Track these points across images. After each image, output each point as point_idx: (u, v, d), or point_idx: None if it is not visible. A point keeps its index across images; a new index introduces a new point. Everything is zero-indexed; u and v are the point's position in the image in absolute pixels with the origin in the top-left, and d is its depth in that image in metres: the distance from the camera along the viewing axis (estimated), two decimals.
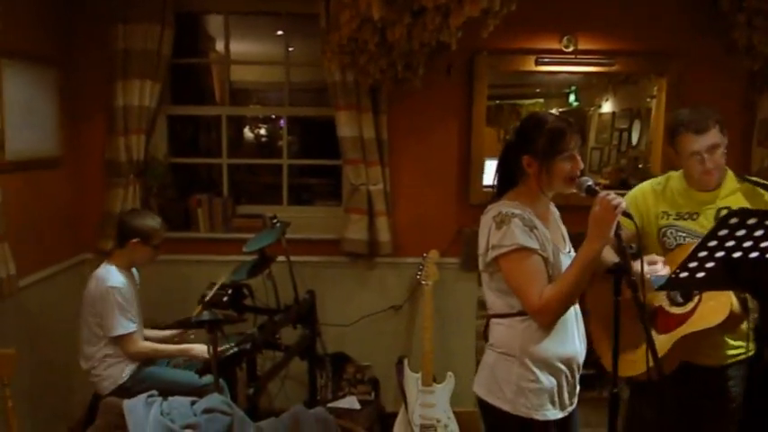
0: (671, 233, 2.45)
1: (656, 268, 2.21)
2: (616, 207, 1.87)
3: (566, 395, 2.08)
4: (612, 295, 1.99)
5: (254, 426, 2.17)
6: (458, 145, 3.84)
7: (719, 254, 1.74)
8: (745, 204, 2.36)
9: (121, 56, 3.55)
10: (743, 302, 2.21)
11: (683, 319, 2.28)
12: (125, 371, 3.06)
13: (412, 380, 3.61)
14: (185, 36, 3.97)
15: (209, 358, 2.64)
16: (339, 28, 3.17)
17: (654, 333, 2.24)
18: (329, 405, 3.59)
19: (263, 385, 3.03)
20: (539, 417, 2.02)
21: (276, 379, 3.53)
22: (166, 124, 4.01)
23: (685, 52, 3.74)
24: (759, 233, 1.68)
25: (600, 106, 5.11)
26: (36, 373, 3.33)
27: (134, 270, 3.24)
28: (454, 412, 3.56)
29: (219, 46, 4.25)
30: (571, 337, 2.08)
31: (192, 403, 2.21)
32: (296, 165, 4.95)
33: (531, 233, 1.99)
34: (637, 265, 1.99)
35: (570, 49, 3.74)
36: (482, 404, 2.13)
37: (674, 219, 2.45)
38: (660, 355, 1.97)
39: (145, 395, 2.21)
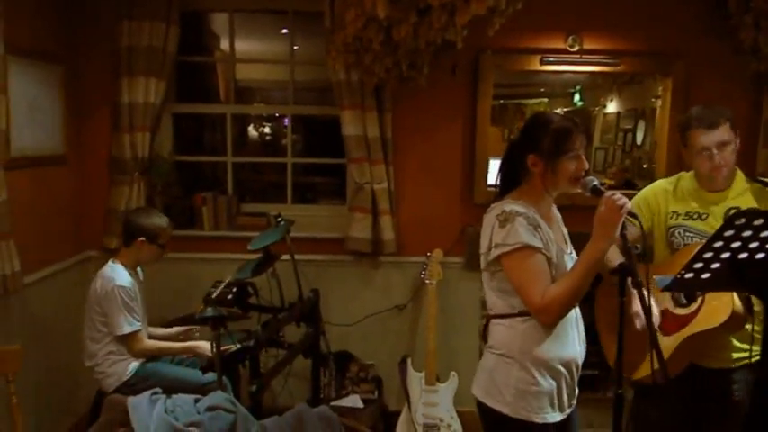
0: (679, 233, 2.45)
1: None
2: (621, 207, 1.87)
3: (565, 397, 2.07)
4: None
5: (257, 424, 2.17)
6: (462, 144, 3.84)
7: (725, 255, 1.73)
8: (754, 205, 2.36)
9: (127, 53, 3.56)
10: (746, 303, 2.20)
11: (686, 320, 2.27)
12: (129, 368, 3.07)
13: (415, 379, 3.61)
14: (190, 34, 3.98)
15: (212, 356, 2.64)
16: (344, 27, 3.17)
17: (659, 335, 2.24)
18: (332, 403, 3.59)
19: (267, 383, 3.03)
20: (538, 420, 2.01)
21: (280, 377, 3.53)
22: (171, 122, 4.01)
23: (691, 53, 3.73)
24: (765, 234, 1.67)
25: (605, 106, 5.11)
26: (41, 369, 3.33)
27: (138, 268, 3.25)
28: (457, 411, 3.56)
29: (224, 44, 4.25)
30: (571, 340, 2.07)
31: (196, 401, 2.21)
32: (300, 163, 4.97)
33: (535, 232, 1.98)
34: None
35: (575, 49, 3.73)
36: (481, 407, 2.11)
37: (683, 219, 2.45)
38: (665, 356, 1.97)
39: (149, 392, 2.21)
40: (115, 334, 3.02)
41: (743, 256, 1.73)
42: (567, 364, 2.05)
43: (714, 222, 2.37)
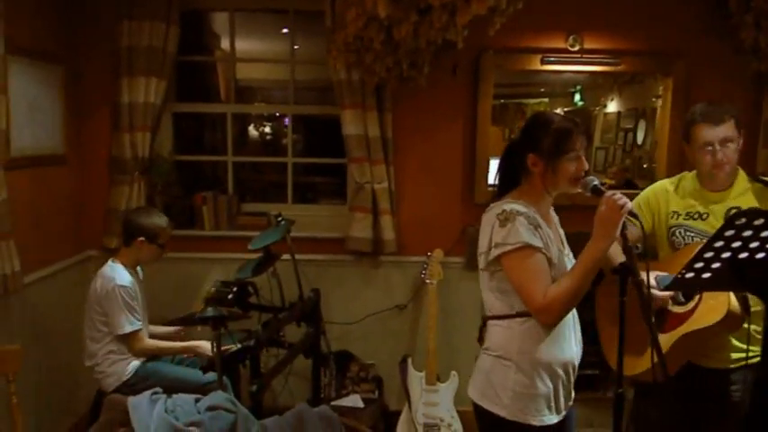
0: (680, 233, 2.45)
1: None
2: (622, 207, 1.87)
3: (561, 400, 2.06)
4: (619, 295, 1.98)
5: (257, 423, 2.16)
6: (463, 144, 3.83)
7: (726, 254, 1.73)
8: (755, 205, 2.35)
9: (127, 53, 3.55)
10: (743, 302, 2.20)
11: (683, 318, 2.27)
12: (129, 368, 3.06)
13: (416, 379, 3.61)
14: (191, 33, 3.98)
15: (213, 355, 2.64)
16: (345, 26, 3.17)
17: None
18: (333, 403, 3.60)
19: (267, 383, 3.03)
20: (536, 423, 2.00)
21: (280, 377, 3.53)
22: (172, 122, 4.01)
23: (692, 52, 3.73)
24: (766, 234, 1.67)
25: (605, 106, 5.11)
26: (41, 369, 3.33)
27: (138, 268, 3.25)
28: (458, 411, 3.56)
29: (225, 43, 4.25)
30: (569, 341, 2.06)
31: (197, 401, 2.21)
32: (301, 163, 4.97)
33: (535, 232, 1.97)
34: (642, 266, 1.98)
35: (576, 49, 3.73)
36: (477, 409, 2.10)
37: (684, 219, 2.45)
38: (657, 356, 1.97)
39: (149, 392, 2.21)
40: (116, 333, 3.02)
41: (743, 255, 1.73)
42: (564, 366, 2.04)
43: (715, 222, 2.37)
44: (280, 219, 3.38)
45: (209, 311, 2.64)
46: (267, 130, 7.41)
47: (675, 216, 2.47)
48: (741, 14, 3.45)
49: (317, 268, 3.78)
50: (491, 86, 3.74)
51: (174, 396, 2.22)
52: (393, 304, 3.92)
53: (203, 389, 2.75)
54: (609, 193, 1.91)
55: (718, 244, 1.70)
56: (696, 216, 2.43)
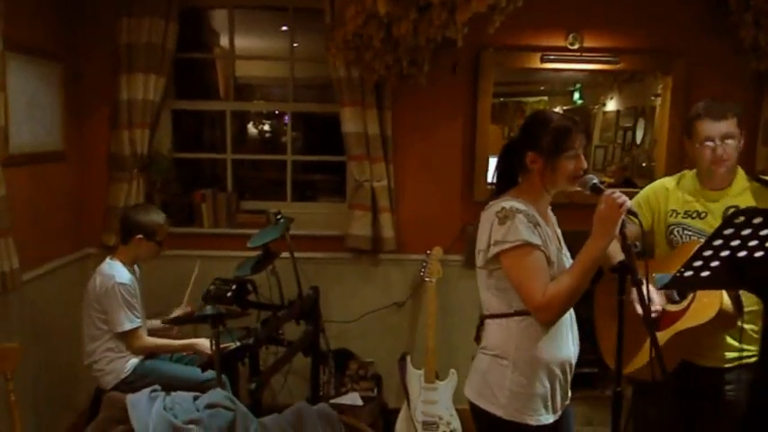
0: (678, 231, 2.45)
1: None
2: (621, 205, 1.87)
3: (558, 399, 2.06)
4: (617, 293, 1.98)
5: (256, 421, 2.17)
6: (462, 142, 3.83)
7: (724, 253, 1.73)
8: (753, 203, 2.35)
9: (126, 50, 3.55)
10: (736, 301, 2.20)
11: (677, 316, 2.28)
12: (127, 366, 3.06)
13: (415, 376, 3.61)
14: (190, 30, 3.97)
15: (211, 353, 2.65)
16: (344, 23, 3.16)
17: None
18: (332, 401, 3.59)
19: (266, 380, 3.03)
20: (532, 422, 2.00)
21: (279, 375, 3.53)
22: (171, 119, 4.01)
23: (691, 51, 3.73)
24: (764, 232, 1.67)
25: (604, 104, 5.11)
26: (39, 366, 3.33)
27: (135, 265, 3.24)
28: (457, 409, 3.56)
29: (224, 41, 4.24)
30: (566, 340, 2.06)
31: (195, 398, 2.21)
32: (300, 161, 4.96)
33: (534, 229, 1.97)
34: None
35: (576, 47, 3.73)
36: (474, 409, 2.10)
37: (683, 217, 2.45)
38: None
39: (148, 390, 2.21)
40: (116, 331, 3.02)
41: (742, 254, 1.73)
42: (561, 366, 2.04)
43: (713, 221, 2.37)
44: (279, 216, 3.38)
45: (208, 309, 2.65)
46: (266, 127, 7.41)
47: (674, 214, 2.47)
48: (741, 13, 3.45)
49: (317, 266, 3.78)
50: (491, 84, 3.74)
51: (173, 394, 2.23)
52: (392, 302, 3.92)
53: (202, 387, 2.75)
54: (608, 191, 1.91)
55: (717, 242, 1.70)
56: (695, 215, 2.43)
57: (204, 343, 3.09)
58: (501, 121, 4.85)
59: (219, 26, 4.87)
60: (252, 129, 7.28)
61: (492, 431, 2.07)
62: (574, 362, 2.10)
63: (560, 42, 3.73)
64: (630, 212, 1.90)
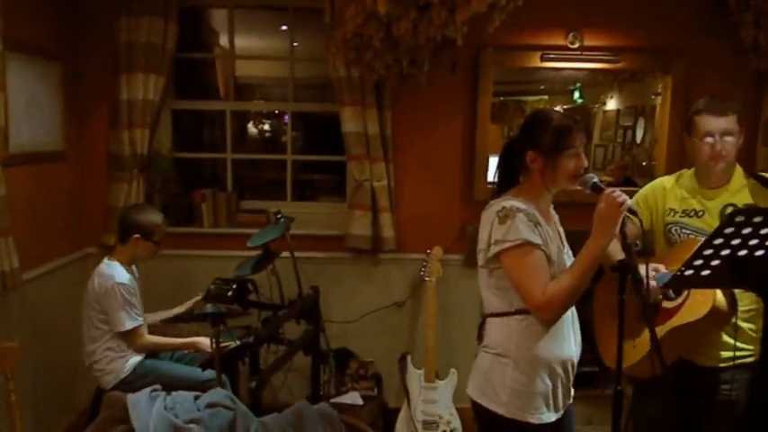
0: (675, 230, 2.45)
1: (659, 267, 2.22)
2: (621, 204, 1.87)
3: (560, 398, 2.06)
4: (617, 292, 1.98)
5: (256, 421, 2.17)
6: (462, 141, 3.83)
7: (725, 252, 1.73)
8: (750, 201, 2.36)
9: (125, 50, 3.55)
10: (730, 299, 2.20)
11: (672, 312, 2.28)
12: (127, 365, 3.06)
13: (415, 376, 3.61)
14: (189, 30, 3.97)
15: (212, 352, 2.65)
16: (344, 23, 3.16)
17: (647, 327, 2.24)
18: (332, 400, 3.59)
19: (266, 380, 3.03)
20: (534, 420, 2.00)
21: (279, 374, 3.53)
22: (171, 119, 4.01)
23: (691, 50, 3.73)
24: (765, 231, 1.67)
25: (604, 103, 5.12)
26: (39, 366, 3.33)
27: (133, 265, 3.24)
28: (457, 408, 3.56)
29: (224, 40, 4.25)
30: (568, 339, 2.06)
31: (196, 398, 2.21)
32: (300, 160, 4.96)
33: (535, 229, 1.97)
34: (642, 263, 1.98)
35: (576, 46, 3.73)
36: (476, 407, 2.10)
37: (680, 216, 2.45)
38: (649, 348, 1.99)
39: (149, 389, 2.21)
40: (117, 331, 3.02)
41: (742, 253, 1.73)
42: (563, 364, 2.04)
43: (710, 219, 2.38)
44: (279, 216, 3.37)
45: (209, 309, 2.64)
46: (266, 127, 7.41)
47: (672, 213, 2.47)
48: (741, 13, 3.45)
49: (317, 266, 3.78)
50: (490, 84, 3.74)
51: (174, 393, 2.23)
52: (392, 302, 3.92)
53: (202, 386, 2.75)
54: (608, 190, 1.91)
55: (718, 241, 1.70)
56: (692, 213, 2.43)
57: (205, 341, 3.09)
58: (501, 121, 4.84)
59: (219, 26, 4.87)
60: (252, 128, 7.28)
61: (494, 429, 2.08)
62: (576, 360, 2.10)
63: (560, 41, 3.73)
64: (630, 211, 1.90)
